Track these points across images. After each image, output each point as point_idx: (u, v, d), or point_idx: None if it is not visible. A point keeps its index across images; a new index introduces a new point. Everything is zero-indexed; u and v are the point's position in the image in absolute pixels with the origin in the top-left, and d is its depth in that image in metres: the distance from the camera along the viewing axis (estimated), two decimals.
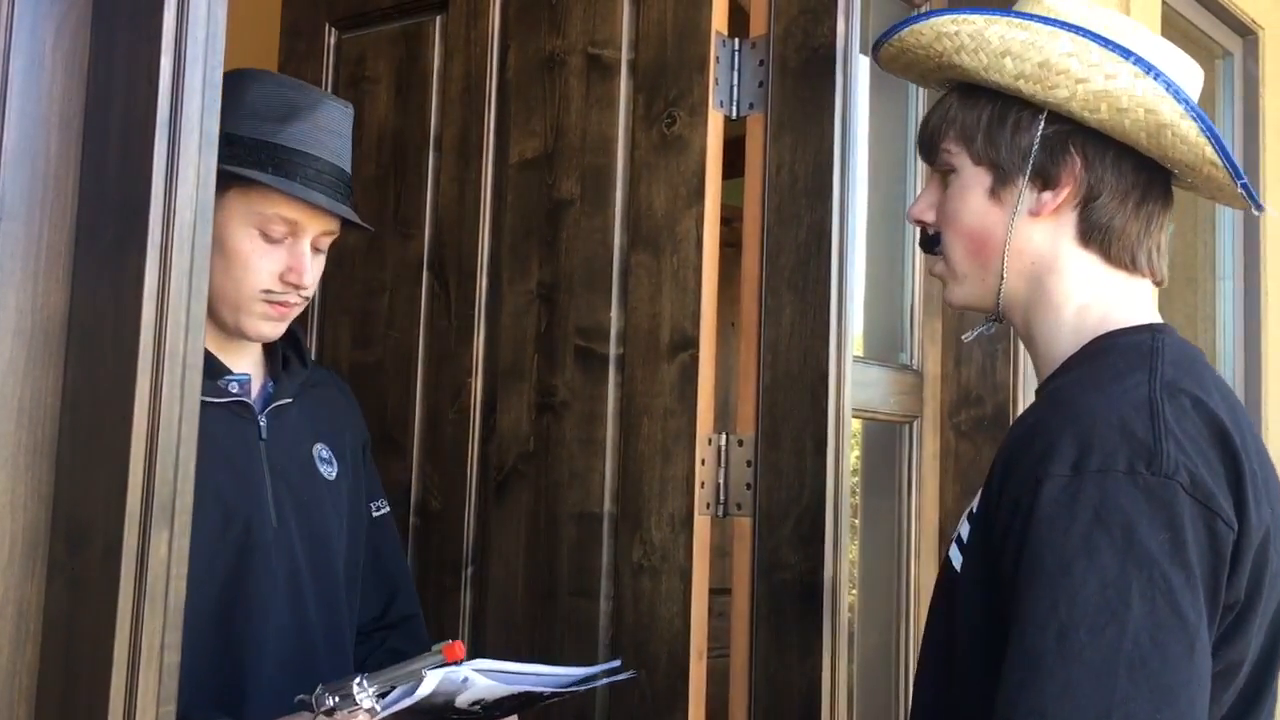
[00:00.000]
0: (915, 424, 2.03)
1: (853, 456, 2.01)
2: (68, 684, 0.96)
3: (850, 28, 1.68)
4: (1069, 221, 1.04)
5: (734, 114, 1.75)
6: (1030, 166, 1.02)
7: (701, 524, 1.68)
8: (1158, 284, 1.08)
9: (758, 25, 1.74)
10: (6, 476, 0.97)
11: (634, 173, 1.78)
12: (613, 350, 1.77)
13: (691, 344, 1.70)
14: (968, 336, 1.23)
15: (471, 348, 1.91)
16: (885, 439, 2.05)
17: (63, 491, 1.00)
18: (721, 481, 1.69)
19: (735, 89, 1.75)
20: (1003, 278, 1.04)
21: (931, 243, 1.13)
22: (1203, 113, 0.98)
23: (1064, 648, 0.83)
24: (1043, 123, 1.02)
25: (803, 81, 1.70)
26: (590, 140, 1.83)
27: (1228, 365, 2.78)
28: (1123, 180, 1.02)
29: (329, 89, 2.13)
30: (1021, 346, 1.99)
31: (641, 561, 1.71)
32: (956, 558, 1.02)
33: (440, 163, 2.00)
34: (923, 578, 2.02)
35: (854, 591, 2.03)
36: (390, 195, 2.05)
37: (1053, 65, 0.99)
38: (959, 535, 1.03)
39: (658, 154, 1.76)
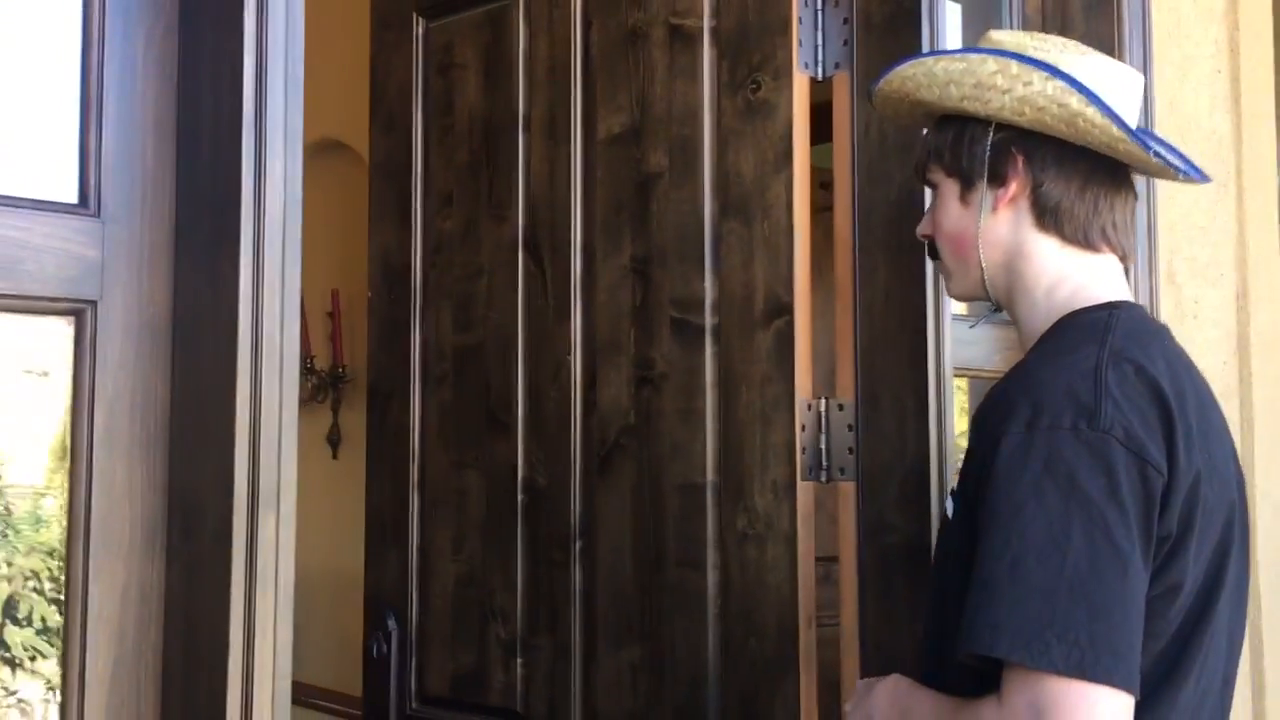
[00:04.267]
0: None
1: (959, 417, 1.98)
2: (189, 663, 1.00)
3: None
4: (1025, 210, 1.22)
5: (820, 75, 1.73)
6: (986, 170, 1.22)
7: (804, 490, 1.67)
8: (1123, 259, 1.24)
9: None
10: (124, 468, 1.02)
11: (721, 141, 1.77)
12: (708, 320, 1.77)
13: (786, 310, 1.69)
14: (972, 324, 1.45)
15: (569, 325, 1.93)
16: None
17: (176, 480, 1.04)
18: (823, 447, 1.68)
19: (820, 49, 1.72)
20: (982, 268, 1.24)
21: (933, 251, 1.33)
22: (1106, 103, 1.15)
23: (1015, 574, 1.01)
24: (992, 132, 1.21)
25: (889, 37, 1.66)
26: (676, 111, 1.82)
27: None
28: (1064, 169, 1.20)
29: (419, 77, 2.17)
30: (1132, 294, 1.92)
31: (746, 530, 1.71)
32: (949, 505, 1.19)
33: (530, 143, 2.01)
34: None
35: None
36: (484, 179, 2.08)
37: (984, 84, 1.19)
38: (953, 487, 1.21)
39: (744, 120, 1.74)
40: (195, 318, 1.04)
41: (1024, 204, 1.21)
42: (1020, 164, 1.20)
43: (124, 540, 1.03)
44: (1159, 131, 1.94)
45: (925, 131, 1.35)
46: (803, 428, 1.67)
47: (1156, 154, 1.16)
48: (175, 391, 1.05)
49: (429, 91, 2.16)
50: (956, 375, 1.78)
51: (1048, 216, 1.20)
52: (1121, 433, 1.03)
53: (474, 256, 2.08)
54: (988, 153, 1.21)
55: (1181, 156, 1.25)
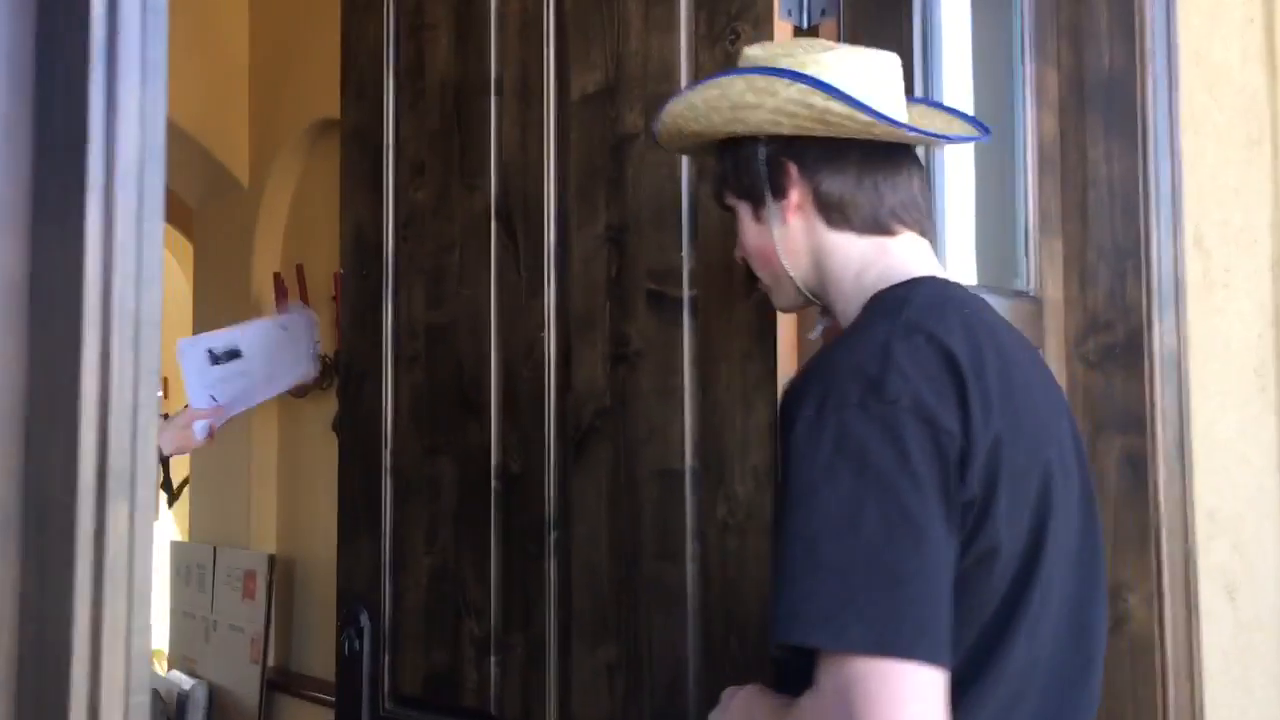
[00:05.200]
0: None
1: None
2: (39, 674, 0.88)
3: None
4: (813, 213, 1.22)
5: (804, 23, 1.58)
6: (767, 186, 1.23)
7: None
8: (922, 234, 1.24)
9: None
10: None
11: None
12: (686, 292, 1.63)
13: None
14: (812, 334, 1.39)
15: (542, 299, 1.80)
16: None
17: (31, 466, 0.92)
18: None
19: None
20: (791, 277, 1.25)
21: (750, 271, 1.34)
22: (847, 94, 1.15)
23: (811, 557, 0.99)
24: (762, 149, 1.23)
25: None
26: (652, 67, 1.68)
27: None
28: (836, 165, 1.21)
29: (390, 41, 2.05)
30: (1153, 262, 1.76)
31: (727, 519, 1.57)
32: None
33: (502, 107, 1.88)
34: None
35: None
36: (455, 146, 1.95)
37: (739, 104, 1.21)
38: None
39: None
40: (49, 281, 0.92)
41: (810, 208, 1.22)
42: (794, 172, 1.22)
43: None
44: (1164, 82, 1.77)
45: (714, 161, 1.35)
46: None
47: (911, 129, 1.18)
48: (31, 366, 0.93)
49: (400, 55, 2.04)
50: None
51: (834, 214, 1.22)
52: (909, 402, 1.02)
53: (446, 228, 1.95)
54: (763, 169, 1.23)
55: (965, 117, 1.30)
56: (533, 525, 1.79)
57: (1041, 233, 1.86)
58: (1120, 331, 1.79)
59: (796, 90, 1.16)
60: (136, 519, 0.87)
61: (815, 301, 1.28)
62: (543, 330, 1.79)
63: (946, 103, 1.55)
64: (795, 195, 1.22)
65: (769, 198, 1.23)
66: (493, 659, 1.84)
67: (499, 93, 1.89)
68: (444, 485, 1.93)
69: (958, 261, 1.76)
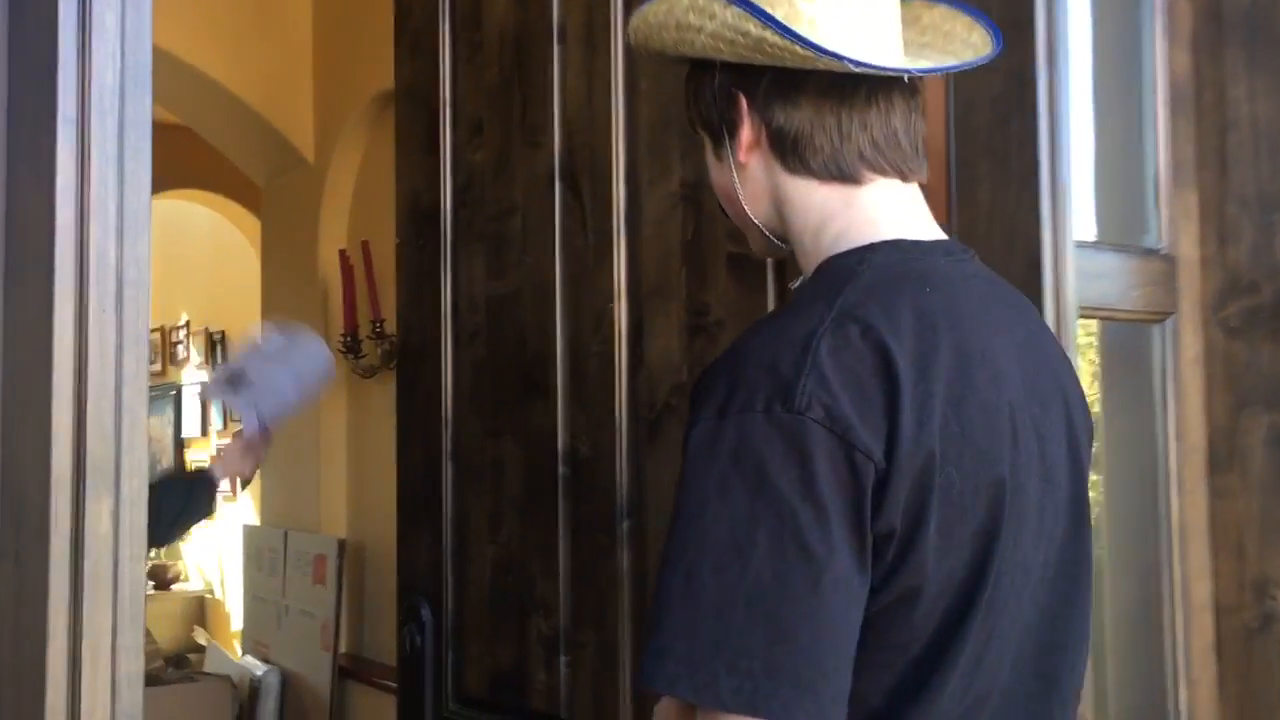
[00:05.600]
0: (1169, 322, 1.62)
1: (1086, 367, 1.63)
2: (15, 690, 0.74)
3: None
4: (769, 153, 1.06)
5: None
6: (720, 119, 1.07)
7: None
8: (904, 177, 1.04)
9: None
10: None
11: None
12: None
13: None
14: (794, 284, 1.17)
15: (611, 266, 1.64)
16: (1130, 343, 1.65)
17: (7, 454, 0.78)
18: None
19: None
20: (755, 222, 1.08)
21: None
22: (781, 21, 0.98)
23: (689, 588, 0.86)
24: (717, 77, 1.06)
25: None
26: None
27: None
28: (790, 100, 1.03)
29: None
30: None
31: None
32: None
33: (565, 56, 1.72)
34: (1188, 513, 1.62)
35: (1101, 539, 1.65)
36: (515, 101, 1.79)
37: (683, 24, 1.04)
38: None
39: None
40: (24, 234, 0.77)
41: (766, 147, 1.05)
42: (743, 105, 1.05)
43: None
44: None
45: None
46: None
47: (858, 63, 0.98)
48: (7, 335, 0.78)
49: (455, 5, 1.88)
50: (1083, 317, 1.45)
51: (790, 156, 1.04)
52: (821, 412, 0.86)
53: (506, 191, 1.80)
54: (715, 100, 1.06)
55: (986, 22, 1.08)
56: (603, 514, 1.64)
57: (1174, 183, 1.64)
58: (1267, 293, 1.57)
59: (732, 14, 1.00)
60: (122, 517, 0.73)
61: (784, 252, 1.11)
62: (612, 300, 1.64)
63: (1069, 35, 1.36)
64: (747, 132, 1.05)
65: (725, 133, 1.07)
66: (562, 659, 1.69)
67: (562, 41, 1.73)
68: (507, 470, 1.78)
69: (1075, 214, 1.56)
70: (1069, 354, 1.30)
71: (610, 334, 1.64)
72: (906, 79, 1.05)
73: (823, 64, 0.99)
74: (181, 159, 5.44)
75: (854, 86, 1.03)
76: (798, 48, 0.98)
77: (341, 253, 3.60)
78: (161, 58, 3.55)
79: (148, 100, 0.76)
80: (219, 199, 5.67)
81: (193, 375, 6.50)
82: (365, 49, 3.41)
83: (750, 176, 1.07)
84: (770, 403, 0.87)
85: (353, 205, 3.76)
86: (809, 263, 1.05)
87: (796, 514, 0.84)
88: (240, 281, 5.45)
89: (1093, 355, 1.72)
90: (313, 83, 3.80)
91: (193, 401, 6.46)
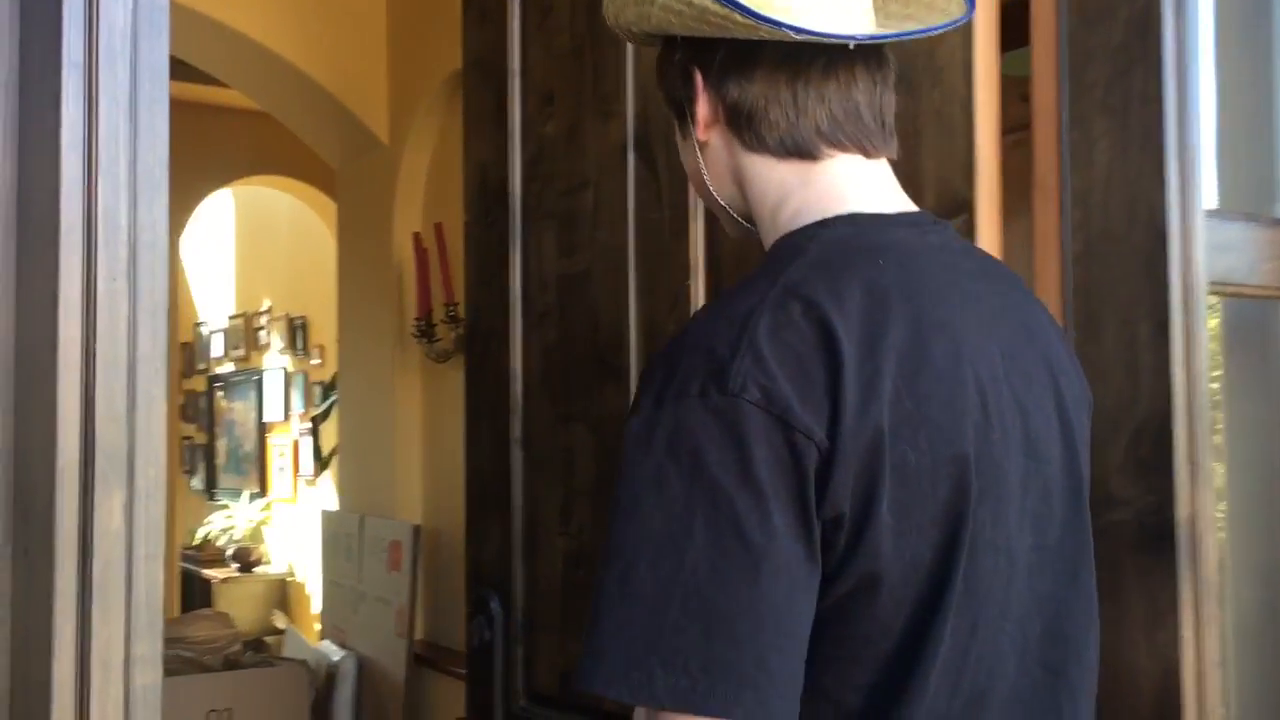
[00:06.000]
0: None
1: (1210, 348, 1.49)
2: (27, 692, 0.67)
3: None
4: (727, 130, 1.02)
5: None
6: (680, 96, 1.04)
7: None
8: (867, 153, 1.00)
9: None
10: None
11: None
12: None
13: (964, 206, 1.25)
14: None
15: (688, 242, 1.54)
16: (1259, 322, 1.51)
17: (19, 439, 0.71)
18: None
19: None
20: (721, 203, 1.06)
21: None
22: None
23: (624, 586, 0.83)
24: (678, 53, 1.03)
25: None
26: None
27: None
28: (744, 74, 1.00)
29: None
30: None
31: None
32: None
33: None
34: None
35: (1222, 534, 1.51)
36: (587, 69, 1.70)
37: None
38: None
39: None
40: (31, 195, 0.69)
41: (724, 124, 1.02)
42: (699, 81, 1.01)
43: None
44: None
45: None
46: None
47: (795, 29, 0.93)
48: (19, 307, 0.71)
49: None
50: (1211, 292, 1.31)
51: (747, 132, 1.00)
52: (757, 393, 0.82)
53: (578, 164, 1.71)
54: (678, 77, 1.03)
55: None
56: None
57: None
58: None
59: None
60: (137, 512, 0.65)
61: (754, 229, 1.07)
62: (689, 278, 1.54)
63: None
64: (704, 108, 1.02)
65: (686, 111, 1.04)
66: None
67: None
68: (579, 457, 1.70)
69: (1200, 181, 1.42)
70: (1200, 335, 1.18)
71: (687, 313, 1.54)
72: (883, 50, 1.01)
73: (765, 32, 0.94)
74: (260, 144, 5.46)
75: (810, 59, 0.99)
76: (737, 15, 0.93)
77: (415, 235, 3.55)
78: (236, 40, 3.53)
79: (164, 44, 0.68)
80: (297, 184, 5.69)
81: (275, 360, 6.56)
82: (439, 28, 3.35)
83: (713, 157, 1.04)
84: (705, 386, 0.83)
85: (427, 187, 3.71)
86: (769, 242, 1.01)
87: (733, 501, 0.81)
88: (320, 267, 5.46)
89: (1215, 337, 1.58)
90: (387, 63, 3.75)
91: (275, 386, 6.51)
